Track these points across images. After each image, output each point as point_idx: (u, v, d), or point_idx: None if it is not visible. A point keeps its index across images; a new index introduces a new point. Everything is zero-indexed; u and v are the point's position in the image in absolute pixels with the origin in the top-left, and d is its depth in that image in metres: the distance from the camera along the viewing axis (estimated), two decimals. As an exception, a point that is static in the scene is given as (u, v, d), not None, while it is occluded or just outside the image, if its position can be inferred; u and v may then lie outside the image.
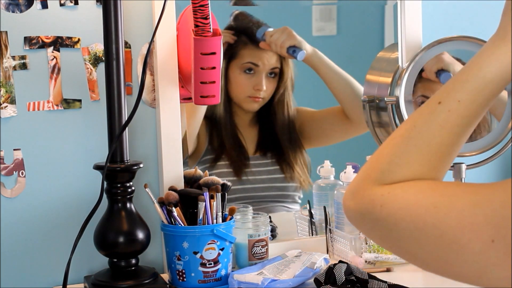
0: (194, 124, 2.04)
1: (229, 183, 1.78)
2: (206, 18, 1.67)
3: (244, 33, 2.15)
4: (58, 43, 1.79)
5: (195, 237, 1.71)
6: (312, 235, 2.03)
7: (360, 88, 2.15)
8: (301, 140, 2.22)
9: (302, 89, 2.25)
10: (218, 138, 2.14)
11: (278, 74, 2.17)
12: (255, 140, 2.21)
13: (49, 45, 1.78)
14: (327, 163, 2.03)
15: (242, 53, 2.14)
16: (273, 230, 1.99)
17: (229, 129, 2.16)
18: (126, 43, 1.82)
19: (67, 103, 1.81)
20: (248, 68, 2.14)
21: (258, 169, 2.17)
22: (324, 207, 1.98)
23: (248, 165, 2.16)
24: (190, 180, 1.84)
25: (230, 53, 2.13)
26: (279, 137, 2.19)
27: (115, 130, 1.70)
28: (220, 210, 1.74)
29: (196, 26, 1.68)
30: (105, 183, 1.70)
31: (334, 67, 2.17)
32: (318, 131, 2.24)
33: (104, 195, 1.71)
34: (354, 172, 1.95)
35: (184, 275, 1.73)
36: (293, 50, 2.12)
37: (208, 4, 1.67)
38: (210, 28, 1.69)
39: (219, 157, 2.14)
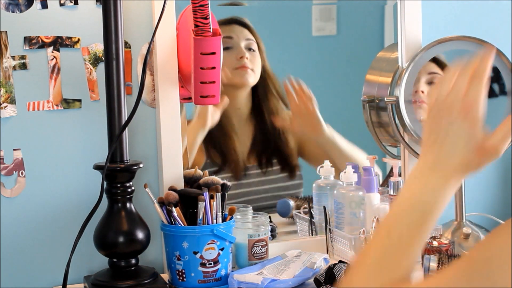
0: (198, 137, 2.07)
1: (229, 183, 1.78)
2: (206, 18, 1.68)
3: None
4: (58, 43, 1.79)
5: (195, 237, 1.71)
6: (312, 235, 2.03)
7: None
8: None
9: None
10: (215, 145, 2.15)
11: (258, 49, 2.16)
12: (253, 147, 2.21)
13: (49, 45, 1.78)
14: (327, 163, 2.03)
15: None
16: (273, 230, 1.98)
17: (223, 139, 2.16)
18: (126, 43, 1.82)
19: (67, 103, 1.81)
20: (226, 47, 2.11)
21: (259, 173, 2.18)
22: (324, 207, 1.98)
23: (247, 174, 2.16)
24: (190, 180, 1.84)
25: None
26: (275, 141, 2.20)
27: (115, 130, 1.70)
28: (220, 210, 1.74)
29: (196, 26, 1.68)
30: (105, 183, 1.70)
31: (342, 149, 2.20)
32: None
33: (104, 195, 1.71)
34: (354, 172, 1.95)
35: (184, 275, 1.73)
36: None
37: (208, 4, 1.67)
38: (210, 28, 1.69)
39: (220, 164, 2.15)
